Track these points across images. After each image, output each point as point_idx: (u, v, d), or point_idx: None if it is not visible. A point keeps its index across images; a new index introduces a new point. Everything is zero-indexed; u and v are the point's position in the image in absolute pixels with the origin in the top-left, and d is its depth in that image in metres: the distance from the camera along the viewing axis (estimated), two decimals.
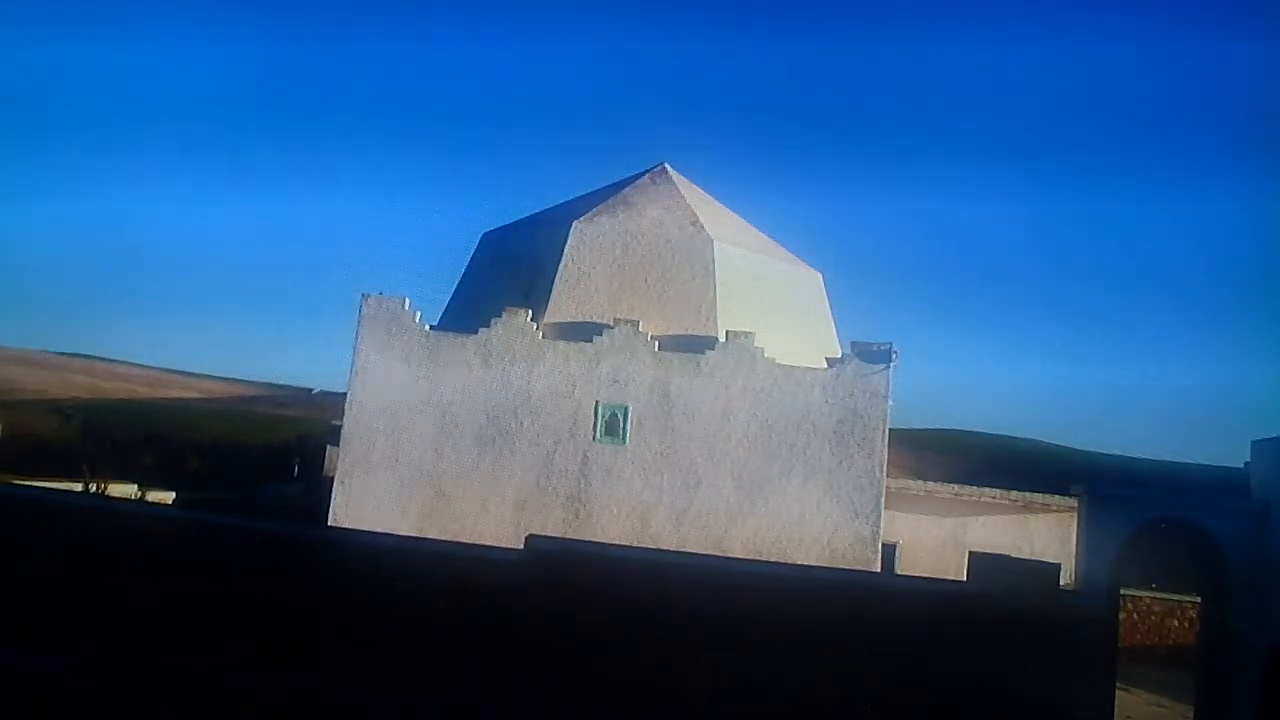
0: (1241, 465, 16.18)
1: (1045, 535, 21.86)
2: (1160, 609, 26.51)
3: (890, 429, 18.68)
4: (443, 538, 16.46)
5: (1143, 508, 14.94)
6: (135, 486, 28.71)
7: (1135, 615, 25.95)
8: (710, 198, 23.40)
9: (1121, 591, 15.95)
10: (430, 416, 18.85)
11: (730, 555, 17.18)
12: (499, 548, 14.81)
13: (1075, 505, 16.45)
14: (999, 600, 13.31)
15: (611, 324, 19.07)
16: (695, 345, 19.02)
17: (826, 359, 19.08)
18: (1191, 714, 16.14)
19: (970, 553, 15.52)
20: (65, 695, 11.92)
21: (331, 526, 17.95)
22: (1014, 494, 22.57)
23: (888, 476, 18.86)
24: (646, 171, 23.27)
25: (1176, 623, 26.22)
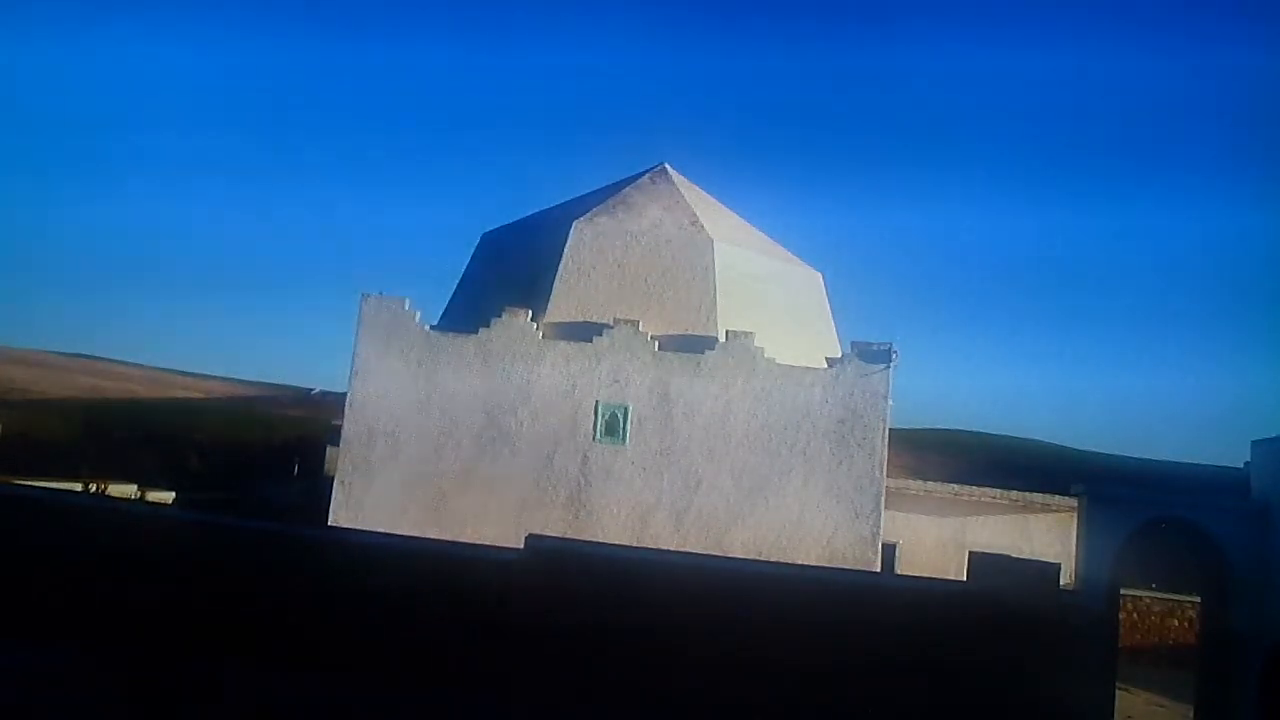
0: (1241, 465, 16.18)
1: (1045, 535, 21.87)
2: (1160, 609, 26.48)
3: (890, 429, 18.71)
4: (443, 538, 16.47)
5: (1143, 508, 14.95)
6: (135, 486, 28.71)
7: (1135, 615, 25.91)
8: (710, 198, 23.41)
9: (1121, 591, 15.95)
10: (430, 416, 18.86)
11: (730, 555, 17.20)
12: (499, 548, 14.80)
13: (1075, 505, 16.45)
14: (999, 600, 13.30)
15: (611, 324, 19.07)
16: (695, 345, 19.03)
17: (826, 359, 19.09)
18: (1191, 714, 16.13)
19: (970, 553, 15.51)
20: (65, 694, 11.92)
21: (331, 526, 17.96)
22: (1014, 494, 22.59)
23: (888, 476, 18.88)
24: (646, 171, 23.29)
25: (1176, 623, 26.18)
